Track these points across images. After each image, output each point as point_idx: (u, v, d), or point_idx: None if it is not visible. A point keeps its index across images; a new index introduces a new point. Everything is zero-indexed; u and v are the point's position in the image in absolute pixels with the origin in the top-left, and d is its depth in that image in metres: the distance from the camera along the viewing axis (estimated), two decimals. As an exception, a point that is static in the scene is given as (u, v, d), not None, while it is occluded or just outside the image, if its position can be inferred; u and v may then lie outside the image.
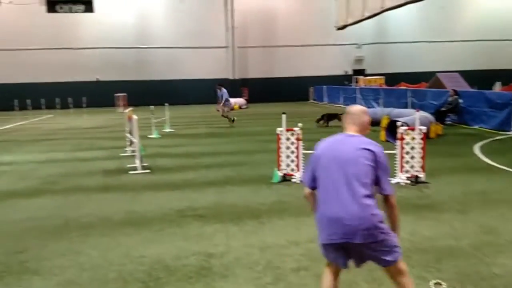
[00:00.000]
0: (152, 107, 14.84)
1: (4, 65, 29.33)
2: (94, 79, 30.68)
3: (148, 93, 28.80)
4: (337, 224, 2.59)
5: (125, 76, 30.48)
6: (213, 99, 27.64)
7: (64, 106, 29.55)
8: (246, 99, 28.77)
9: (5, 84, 29.10)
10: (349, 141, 2.76)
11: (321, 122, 15.44)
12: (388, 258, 2.65)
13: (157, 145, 11.97)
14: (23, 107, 28.87)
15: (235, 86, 30.88)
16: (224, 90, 16.45)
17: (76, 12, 29.58)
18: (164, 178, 7.90)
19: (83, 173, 8.56)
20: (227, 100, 16.31)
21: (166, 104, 16.60)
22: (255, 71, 32.42)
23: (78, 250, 4.57)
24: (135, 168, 8.46)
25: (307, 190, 2.89)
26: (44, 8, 28.45)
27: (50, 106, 29.21)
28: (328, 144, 2.84)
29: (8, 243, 4.84)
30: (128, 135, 10.64)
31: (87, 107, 29.82)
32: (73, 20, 29.78)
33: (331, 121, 15.38)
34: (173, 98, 26.19)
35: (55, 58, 29.79)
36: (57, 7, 29.37)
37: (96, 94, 30.04)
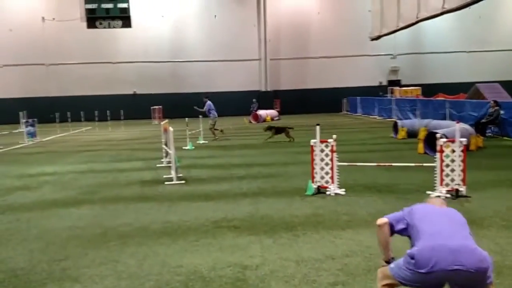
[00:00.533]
0: (187, 119, 15.12)
1: (46, 79, 30.79)
2: (131, 92, 31.65)
3: (183, 106, 29.36)
4: (454, 253, 2.70)
5: (161, 89, 31.27)
6: (245, 111, 28.02)
7: (103, 118, 30.57)
8: (278, 111, 28.83)
9: (47, 97, 30.47)
10: (442, 207, 3.15)
11: (269, 132, 15.06)
12: (488, 281, 2.81)
13: (191, 156, 12.15)
14: (63, 119, 30.10)
15: (267, 98, 31.07)
16: (208, 102, 16.55)
17: (114, 27, 30.82)
18: (199, 189, 7.99)
19: (121, 183, 8.79)
20: (209, 112, 16.42)
21: (200, 116, 16.87)
22: (287, 83, 32.52)
23: (116, 259, 4.68)
24: (171, 179, 8.62)
25: (384, 220, 3.04)
26: (84, 24, 29.78)
27: (89, 119, 30.31)
28: (422, 205, 3.15)
29: (50, 251, 5.01)
30: (164, 146, 10.87)
31: (125, 119, 30.73)
32: (111, 36, 30.98)
33: (279, 134, 14.95)
34: (206, 110, 26.61)
35: (94, 72, 30.98)
36: (97, 23, 30.69)
37: (133, 107, 30.96)
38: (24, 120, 20.66)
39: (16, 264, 4.61)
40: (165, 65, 31.74)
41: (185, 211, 6.51)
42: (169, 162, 10.00)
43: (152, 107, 28.32)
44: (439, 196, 4.27)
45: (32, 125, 18.75)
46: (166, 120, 11.68)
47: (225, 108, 30.64)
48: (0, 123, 28.55)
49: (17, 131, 21.87)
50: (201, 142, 15.45)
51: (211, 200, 7.12)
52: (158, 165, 10.61)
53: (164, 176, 8.99)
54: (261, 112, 25.75)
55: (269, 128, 15.26)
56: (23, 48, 30.18)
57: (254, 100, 28.48)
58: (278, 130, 15.09)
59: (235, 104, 30.24)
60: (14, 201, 7.52)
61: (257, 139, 15.79)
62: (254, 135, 17.15)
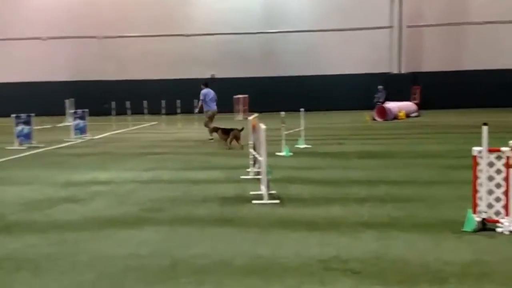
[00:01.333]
0: (282, 113, 15.32)
1: (99, 56, 33.34)
2: (209, 76, 32.92)
3: (277, 94, 29.94)
4: None
5: (247, 72, 32.18)
6: (367, 104, 27.67)
7: (171, 110, 32.16)
8: (416, 103, 28.08)
9: (100, 81, 32.95)
10: None
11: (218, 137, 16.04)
12: None
13: (288, 166, 12.34)
14: (121, 111, 32.22)
15: (402, 84, 30.39)
16: (205, 90, 16.61)
17: (188, -13, 32.36)
18: (299, 212, 8.08)
19: (194, 199, 9.21)
20: (205, 103, 16.48)
21: (301, 109, 17.00)
22: (433, 62, 31.60)
23: (189, 303, 4.89)
24: (260, 197, 8.82)
25: None
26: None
27: (154, 111, 32.08)
28: None
29: (104, 285, 5.37)
30: (251, 151, 11.12)
31: (199, 112, 32.01)
32: (183, 0, 32.59)
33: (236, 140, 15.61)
34: (310, 102, 26.82)
35: (161, 48, 32.88)
36: (166, -18, 32.46)
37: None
38: (72, 111, 22.54)
39: (62, 300, 5.03)
40: (254, 38, 32.63)
41: (280, 242, 6.60)
42: (257, 173, 10.21)
43: (235, 97, 29.20)
44: None
45: (82, 118, 20.43)
46: (255, 114, 11.96)
47: (337, 98, 30.73)
48: (41, 113, 31.38)
49: (62, 124, 24.02)
50: (302, 146, 15.59)
51: (317, 229, 7.15)
52: (242, 177, 10.94)
53: (251, 193, 9.24)
54: (391, 105, 25.24)
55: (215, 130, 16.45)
56: (71, 15, 32.87)
57: (380, 87, 28.05)
58: (225, 132, 15.99)
59: (352, 93, 30.11)
60: (59, 217, 8.21)
61: (384, 145, 15.50)
62: (380, 139, 16.83)
